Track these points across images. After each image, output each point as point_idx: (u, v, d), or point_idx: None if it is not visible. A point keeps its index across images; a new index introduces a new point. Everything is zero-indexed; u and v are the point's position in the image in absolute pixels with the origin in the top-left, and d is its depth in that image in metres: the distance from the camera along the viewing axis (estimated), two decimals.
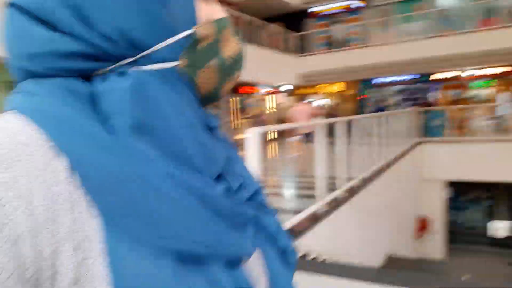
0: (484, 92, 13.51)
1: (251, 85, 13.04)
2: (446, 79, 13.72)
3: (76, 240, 0.30)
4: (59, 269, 0.29)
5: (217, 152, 0.40)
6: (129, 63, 0.37)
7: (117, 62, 0.37)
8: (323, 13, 16.12)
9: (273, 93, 14.98)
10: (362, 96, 15.14)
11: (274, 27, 13.57)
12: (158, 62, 0.37)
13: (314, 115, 7.49)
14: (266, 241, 0.43)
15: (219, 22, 0.41)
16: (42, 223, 0.29)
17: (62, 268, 0.29)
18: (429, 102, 13.20)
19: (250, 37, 11.76)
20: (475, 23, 12.00)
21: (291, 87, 14.79)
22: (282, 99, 15.17)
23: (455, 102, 13.35)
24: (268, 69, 11.91)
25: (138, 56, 0.37)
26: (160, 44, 0.37)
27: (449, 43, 11.53)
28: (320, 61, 13.92)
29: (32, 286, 0.28)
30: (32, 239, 0.28)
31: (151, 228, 0.32)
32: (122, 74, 0.36)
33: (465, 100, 13.38)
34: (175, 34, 0.38)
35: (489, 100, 12.92)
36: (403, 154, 8.40)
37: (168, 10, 0.37)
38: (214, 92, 0.42)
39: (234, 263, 0.37)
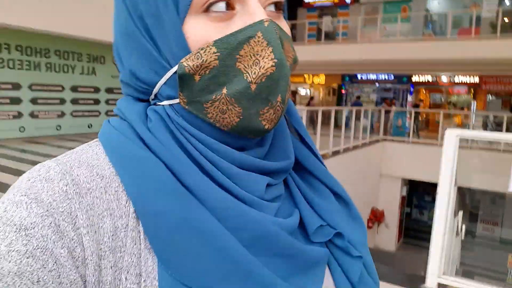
0: (462, 99, 13.98)
1: None
2: (425, 83, 14.16)
3: (139, 272, 0.32)
4: None
5: (249, 180, 0.37)
6: (155, 99, 0.39)
7: (148, 97, 0.40)
8: (317, 4, 16.43)
9: None
10: (344, 89, 15.65)
11: None
12: (167, 99, 0.38)
13: None
14: (347, 286, 0.40)
15: (223, 41, 0.34)
16: (108, 250, 0.32)
17: None
18: (402, 102, 13.74)
19: None
20: (456, 31, 12.38)
21: None
22: None
23: (435, 105, 13.86)
24: None
25: (154, 93, 0.38)
26: (160, 81, 0.37)
27: (429, 48, 11.89)
28: (309, 52, 14.11)
29: None
30: (97, 262, 0.31)
31: (195, 273, 0.32)
32: (147, 113, 0.38)
33: (441, 105, 13.89)
34: (169, 70, 0.36)
35: (464, 107, 13.44)
36: (362, 146, 9.08)
37: (158, 46, 0.36)
38: (245, 125, 0.36)
39: None
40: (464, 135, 2.30)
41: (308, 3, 16.66)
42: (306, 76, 16.88)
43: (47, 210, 0.31)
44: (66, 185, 0.33)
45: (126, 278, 0.32)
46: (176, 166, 0.35)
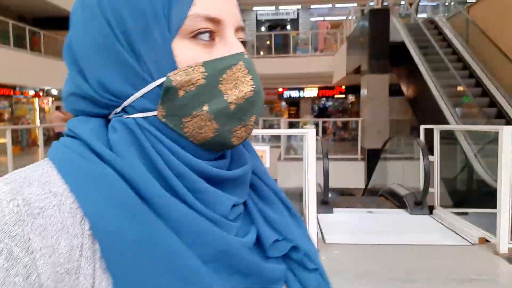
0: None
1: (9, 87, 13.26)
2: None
3: None
4: None
5: (216, 198, 0.38)
6: (122, 111, 0.38)
7: (113, 110, 0.39)
8: None
9: (39, 96, 15.25)
10: None
11: (47, 32, 13.92)
12: (141, 111, 0.38)
13: (65, 119, 9.49)
14: None
15: (211, 63, 0.37)
16: (64, 272, 0.31)
17: None
18: None
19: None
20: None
21: (56, 92, 15.33)
22: (48, 102, 15.48)
23: None
24: (36, 72, 12.45)
25: (122, 105, 0.38)
26: (136, 94, 0.37)
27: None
28: None
29: None
30: (54, 286, 0.30)
31: None
32: (113, 124, 0.38)
33: None
34: (151, 83, 0.37)
35: None
36: None
37: (143, 60, 0.37)
38: (217, 140, 0.38)
39: None
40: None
41: None
42: None
43: None
44: (17, 206, 0.31)
45: None
46: (137, 180, 0.34)
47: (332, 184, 8.24)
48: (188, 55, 0.37)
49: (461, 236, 3.81)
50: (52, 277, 0.30)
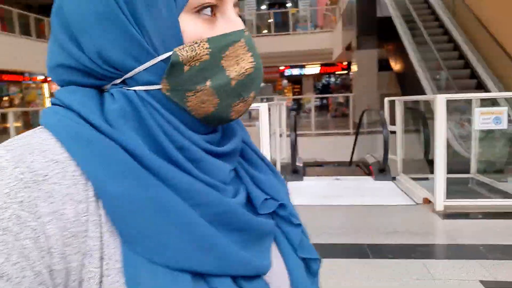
0: None
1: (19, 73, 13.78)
2: None
3: (100, 256, 0.32)
4: (85, 279, 0.32)
5: (214, 166, 0.39)
6: (121, 83, 0.38)
7: (111, 81, 0.38)
8: None
9: (48, 81, 15.79)
10: None
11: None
12: (143, 84, 0.38)
13: None
14: (290, 251, 0.44)
15: (215, 40, 0.38)
16: (71, 237, 0.32)
17: (87, 280, 0.32)
18: None
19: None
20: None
21: None
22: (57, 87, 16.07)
23: None
24: (43, 58, 12.98)
25: (123, 78, 0.38)
26: (140, 67, 0.37)
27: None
28: None
29: None
30: (62, 249, 0.31)
31: (162, 249, 0.33)
32: (112, 95, 0.38)
33: None
34: (155, 57, 0.37)
35: None
36: None
37: (147, 33, 0.36)
38: (217, 114, 0.40)
39: (249, 277, 0.37)
40: None
41: None
42: None
43: (4, 202, 0.30)
44: (22, 173, 0.31)
45: (89, 262, 0.32)
46: (136, 150, 0.35)
47: (328, 158, 8.68)
48: (194, 30, 0.38)
49: (410, 198, 4.23)
50: (60, 240, 0.31)
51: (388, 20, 8.72)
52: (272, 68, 19.32)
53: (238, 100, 0.40)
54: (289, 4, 20.97)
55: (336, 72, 19.92)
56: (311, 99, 14.24)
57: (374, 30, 8.85)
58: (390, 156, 5.11)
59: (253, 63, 0.40)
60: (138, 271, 0.32)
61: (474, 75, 7.27)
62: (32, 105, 14.59)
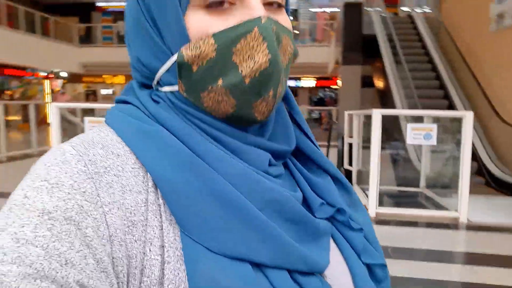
0: None
1: (22, 68, 14.25)
2: None
3: (161, 244, 0.33)
4: (146, 266, 0.33)
5: (252, 154, 0.39)
6: (157, 85, 0.41)
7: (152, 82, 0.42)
8: (110, 9, 17.77)
9: (50, 78, 16.34)
10: None
11: (58, 18, 14.94)
12: (168, 85, 0.40)
13: (68, 100, 10.48)
14: (353, 256, 0.42)
15: (221, 34, 0.36)
16: (131, 225, 0.33)
17: (149, 267, 0.33)
18: None
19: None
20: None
21: (65, 74, 16.34)
22: (57, 84, 16.49)
23: None
24: (46, 56, 13.46)
25: (155, 79, 0.40)
26: (163, 67, 0.39)
27: None
28: (104, 54, 15.06)
29: (123, 280, 0.32)
30: (123, 237, 0.32)
31: (220, 238, 0.34)
32: (153, 97, 0.41)
33: None
34: (170, 57, 0.38)
35: None
36: None
37: (162, 34, 0.38)
38: (238, 115, 0.38)
39: (306, 273, 0.36)
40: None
41: (99, 7, 17.77)
42: (105, 76, 18.04)
43: (68, 193, 0.31)
44: (84, 166, 0.33)
45: (150, 250, 0.33)
46: (188, 139, 0.36)
47: None
48: (201, 27, 0.36)
49: None
50: (121, 229, 0.32)
51: (374, 38, 9.00)
52: None
53: (257, 99, 0.37)
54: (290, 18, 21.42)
55: (332, 86, 20.22)
56: (304, 112, 14.56)
57: (359, 46, 9.12)
58: (347, 167, 5.36)
59: (268, 55, 0.36)
60: (198, 259, 0.33)
61: (446, 95, 7.51)
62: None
